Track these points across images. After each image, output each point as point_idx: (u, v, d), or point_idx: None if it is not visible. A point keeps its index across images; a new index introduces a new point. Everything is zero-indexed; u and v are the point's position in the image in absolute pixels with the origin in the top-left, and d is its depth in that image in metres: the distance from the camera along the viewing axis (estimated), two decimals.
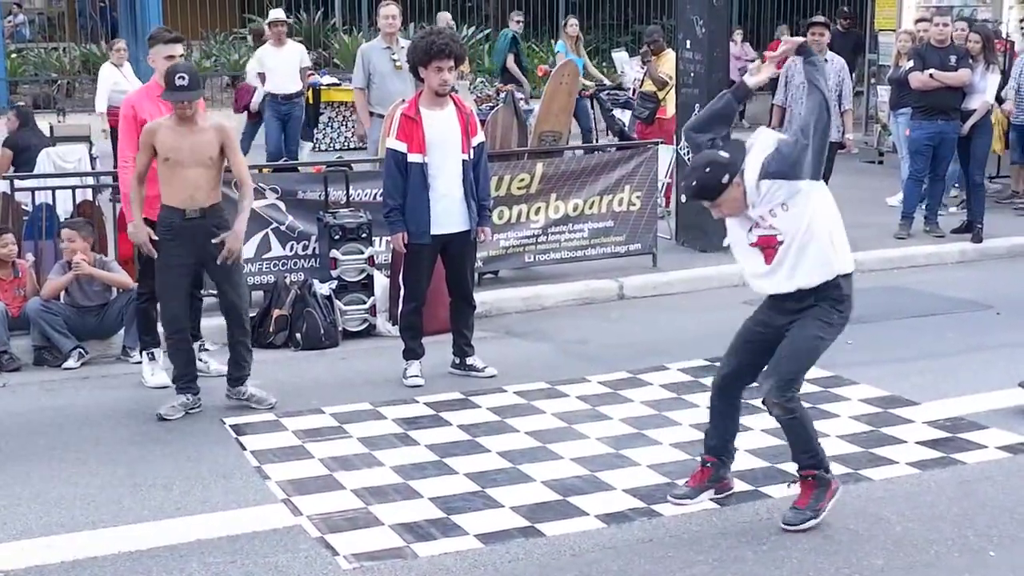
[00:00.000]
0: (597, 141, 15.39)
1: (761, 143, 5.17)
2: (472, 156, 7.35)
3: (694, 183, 5.20)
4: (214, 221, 6.81)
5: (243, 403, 6.98)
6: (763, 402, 5.29)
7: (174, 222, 6.77)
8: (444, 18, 17.79)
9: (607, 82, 14.90)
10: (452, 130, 7.27)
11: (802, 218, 5.08)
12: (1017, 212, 12.62)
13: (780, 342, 5.29)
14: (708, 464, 5.59)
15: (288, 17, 21.40)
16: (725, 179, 5.08)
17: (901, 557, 4.99)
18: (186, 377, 6.98)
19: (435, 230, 7.28)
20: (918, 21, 13.21)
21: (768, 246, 5.21)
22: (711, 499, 5.59)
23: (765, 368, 5.36)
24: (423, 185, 7.22)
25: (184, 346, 6.99)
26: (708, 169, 5.11)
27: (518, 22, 17.88)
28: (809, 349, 5.24)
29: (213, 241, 6.75)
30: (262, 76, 14.10)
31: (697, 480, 5.60)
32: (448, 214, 7.30)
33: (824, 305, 5.19)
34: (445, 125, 7.26)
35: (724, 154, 5.13)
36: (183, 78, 6.63)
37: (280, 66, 13.96)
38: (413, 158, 7.20)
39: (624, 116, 14.12)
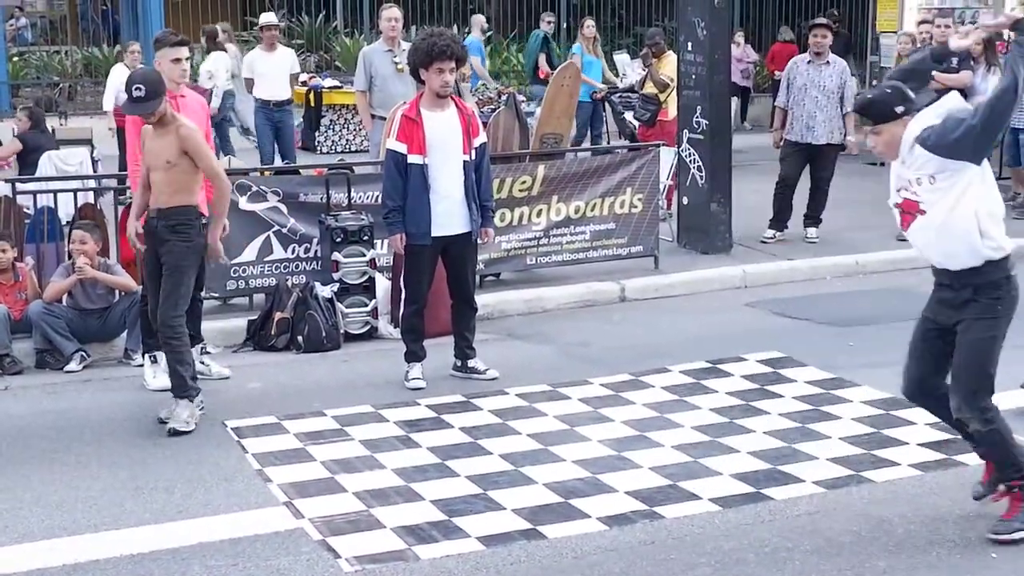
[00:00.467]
0: (609, 143, 15.37)
1: (942, 105, 5.04)
2: (474, 157, 7.35)
3: (869, 96, 5.15)
4: (167, 222, 6.76)
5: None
6: (956, 421, 5.13)
7: (148, 223, 6.90)
8: (479, 21, 17.63)
9: (620, 84, 14.85)
10: (453, 131, 7.27)
11: (948, 196, 4.94)
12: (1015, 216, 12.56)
13: (953, 339, 5.15)
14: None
15: (291, 19, 21.52)
16: (899, 109, 5.00)
17: (903, 559, 4.99)
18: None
19: (436, 232, 7.28)
20: (920, 23, 13.20)
21: (908, 211, 5.10)
22: (711, 499, 5.60)
23: (951, 383, 5.19)
24: (423, 186, 7.22)
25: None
26: (889, 91, 5.07)
27: (549, 23, 17.67)
28: (983, 353, 5.06)
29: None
30: (250, 81, 13.65)
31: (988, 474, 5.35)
32: (449, 216, 7.30)
33: (983, 300, 5.03)
34: (446, 126, 7.26)
35: (910, 92, 5.07)
36: (139, 89, 6.59)
37: (271, 71, 13.54)
38: (413, 159, 7.20)
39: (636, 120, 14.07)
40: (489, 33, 21.98)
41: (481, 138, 7.46)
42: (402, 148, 7.22)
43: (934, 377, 5.31)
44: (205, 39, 16.06)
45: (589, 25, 16.30)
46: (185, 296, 6.82)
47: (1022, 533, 5.07)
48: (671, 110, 12.61)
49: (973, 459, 6.06)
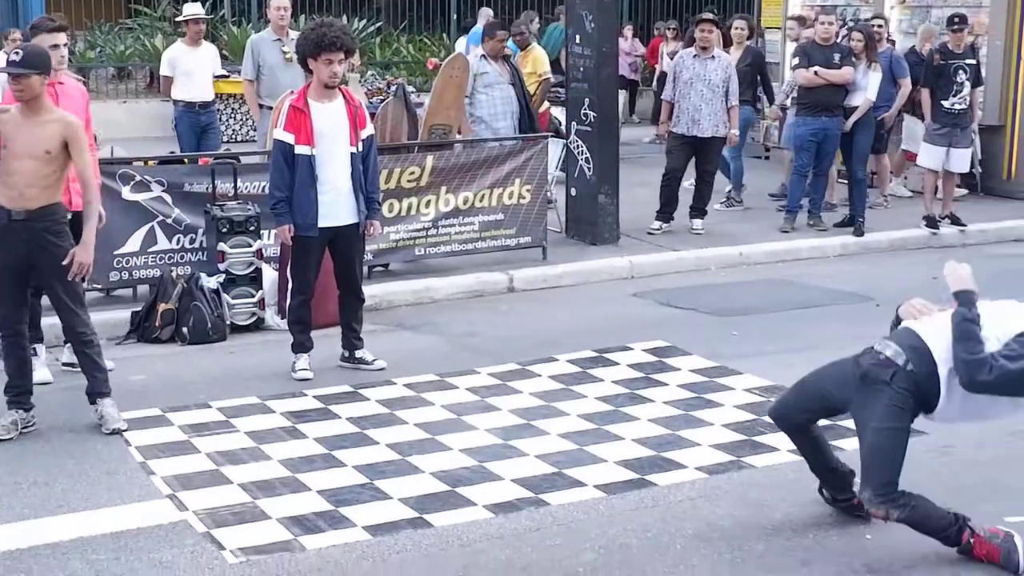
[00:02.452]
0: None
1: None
2: (361, 149, 7.33)
3: None
4: (44, 224, 6.25)
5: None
6: (868, 512, 5.00)
7: (1, 222, 6.23)
8: (486, 14, 17.08)
9: (552, 78, 14.81)
10: (340, 122, 7.24)
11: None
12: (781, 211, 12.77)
13: (839, 410, 5.17)
14: (830, 498, 5.38)
15: (176, 8, 21.15)
16: None
17: (781, 541, 5.11)
18: (17, 389, 6.44)
19: (322, 223, 7.24)
20: (790, 18, 13.41)
21: None
22: (596, 486, 5.67)
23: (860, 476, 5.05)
24: (310, 177, 7.17)
25: (16, 352, 6.45)
26: None
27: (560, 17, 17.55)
28: (894, 444, 4.89)
29: (64, 263, 6.20)
30: (168, 80, 12.15)
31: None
32: (336, 207, 7.27)
33: (899, 390, 4.89)
34: (333, 117, 7.23)
35: None
36: (18, 53, 6.16)
37: (197, 70, 12.03)
38: (300, 150, 7.15)
39: (561, 114, 13.89)
40: (379, 24, 21.88)
41: (368, 130, 7.44)
42: (289, 138, 7.17)
43: (805, 422, 5.33)
44: None
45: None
46: (83, 293, 6.60)
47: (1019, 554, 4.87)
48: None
49: (849, 444, 6.20)
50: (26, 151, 6.20)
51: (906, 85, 12.37)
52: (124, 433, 6.37)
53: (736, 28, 13.07)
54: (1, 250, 6.28)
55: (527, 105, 11.22)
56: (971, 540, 4.87)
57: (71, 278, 6.28)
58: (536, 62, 13.06)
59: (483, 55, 11.11)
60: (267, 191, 7.83)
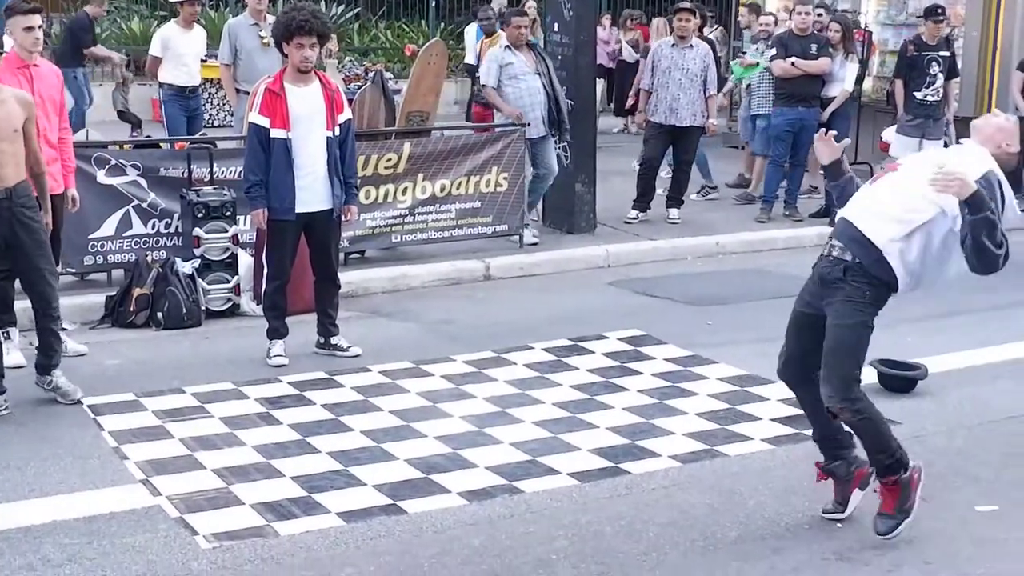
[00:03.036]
0: None
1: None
2: (338, 134, 7.31)
3: None
4: (21, 201, 6.36)
5: (48, 393, 6.63)
6: (828, 410, 5.02)
7: None
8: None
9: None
10: (317, 106, 7.22)
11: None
12: (736, 202, 12.85)
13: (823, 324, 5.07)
14: (824, 469, 5.29)
15: None
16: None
17: (754, 529, 5.14)
18: None
19: (299, 208, 7.22)
20: (743, 4, 13.38)
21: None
22: (569, 474, 5.68)
23: (821, 372, 5.03)
24: (287, 161, 7.15)
25: None
26: None
27: None
28: (852, 339, 4.92)
29: (46, 222, 6.50)
30: (156, 62, 11.88)
31: (838, 493, 5.29)
32: (312, 192, 7.24)
33: (853, 284, 4.92)
34: (310, 101, 7.20)
35: None
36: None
37: (188, 53, 11.86)
38: (276, 133, 7.12)
39: None
40: (357, 11, 21.81)
41: (346, 114, 7.42)
42: (264, 122, 7.14)
43: (809, 359, 5.18)
44: None
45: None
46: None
47: (906, 522, 4.96)
48: None
49: None
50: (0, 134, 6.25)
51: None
52: (98, 418, 6.35)
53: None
54: None
55: (555, 96, 10.55)
56: (916, 476, 4.99)
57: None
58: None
59: (506, 45, 10.57)
60: (243, 175, 7.81)
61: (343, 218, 7.49)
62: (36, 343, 6.69)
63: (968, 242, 4.73)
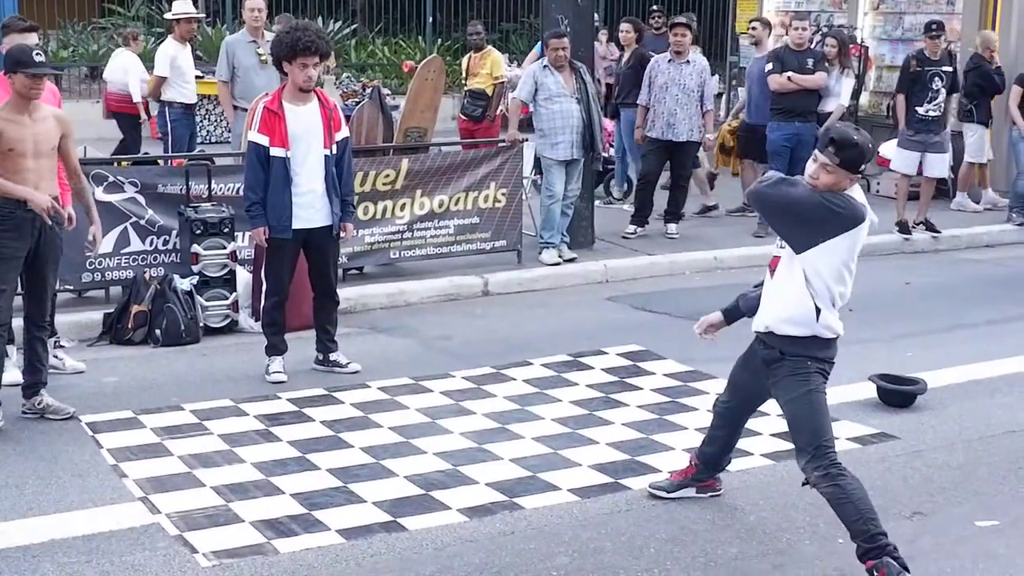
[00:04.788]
0: None
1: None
2: (335, 151, 7.31)
3: (856, 139, 4.85)
4: (52, 216, 6.50)
5: (38, 413, 6.60)
6: (804, 480, 4.98)
7: (16, 213, 6.40)
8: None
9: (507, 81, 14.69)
10: (315, 124, 7.22)
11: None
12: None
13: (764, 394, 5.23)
14: (695, 464, 5.59)
15: (151, 8, 21.07)
16: (863, 168, 4.95)
17: (754, 545, 5.13)
18: None
19: (297, 225, 7.22)
20: (755, 20, 13.41)
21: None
22: (570, 490, 5.67)
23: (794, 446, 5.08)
24: (285, 179, 7.16)
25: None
26: (869, 146, 4.93)
27: None
28: (805, 410, 4.93)
29: (88, 240, 6.81)
30: (160, 81, 11.66)
31: (680, 476, 5.63)
32: (310, 209, 7.25)
33: (789, 356, 4.98)
34: (308, 119, 7.21)
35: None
36: (40, 54, 6.40)
37: (189, 70, 11.81)
38: (275, 152, 7.13)
39: None
40: (355, 27, 21.87)
41: (343, 132, 7.42)
42: (264, 140, 7.15)
43: (746, 411, 5.52)
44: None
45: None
46: None
47: None
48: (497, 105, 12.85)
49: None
50: (39, 150, 6.44)
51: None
52: (96, 435, 6.34)
53: (623, 31, 13.17)
54: (17, 241, 6.45)
55: (590, 122, 10.36)
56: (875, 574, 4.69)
57: (91, 254, 6.94)
58: (494, 64, 13.08)
59: (545, 65, 10.35)
60: (241, 193, 7.81)
61: (340, 235, 7.48)
62: (22, 364, 6.71)
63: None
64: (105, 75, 12.69)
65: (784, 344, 5.00)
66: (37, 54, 6.39)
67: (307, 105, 7.24)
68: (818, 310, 4.91)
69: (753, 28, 12.86)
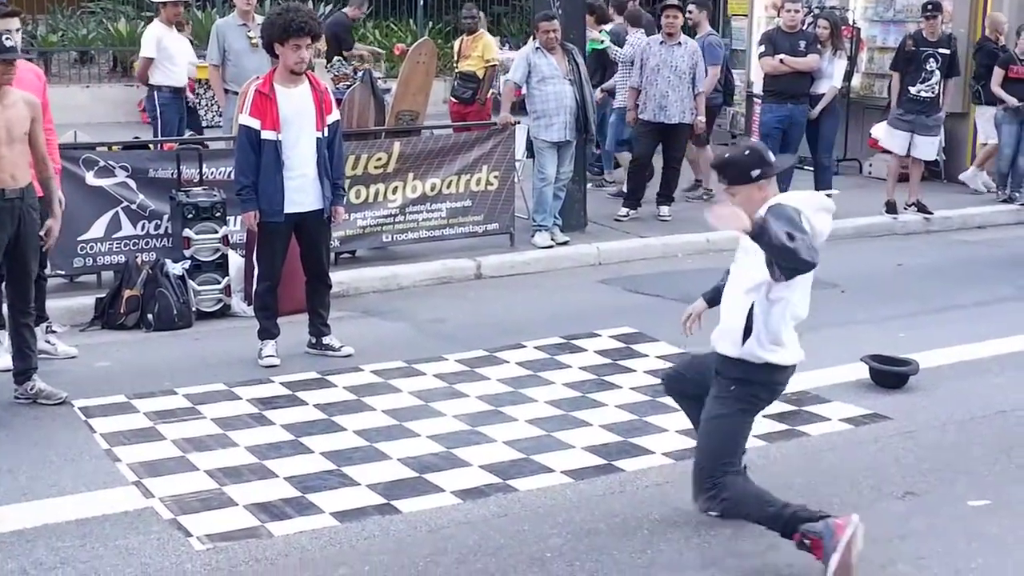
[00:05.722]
0: None
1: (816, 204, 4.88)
2: (326, 134, 7.29)
3: (727, 156, 4.84)
4: (30, 201, 6.49)
5: (31, 398, 6.60)
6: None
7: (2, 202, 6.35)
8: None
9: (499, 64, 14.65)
10: (307, 107, 7.21)
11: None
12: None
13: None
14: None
15: None
16: (755, 173, 4.74)
17: (748, 526, 5.11)
18: None
19: (288, 208, 7.21)
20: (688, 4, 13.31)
21: None
22: (563, 472, 5.68)
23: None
24: (276, 163, 7.14)
25: None
26: (747, 152, 4.82)
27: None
28: (710, 434, 4.89)
29: (41, 233, 6.55)
30: (147, 63, 11.54)
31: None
32: (302, 192, 7.24)
33: (721, 377, 4.91)
34: (300, 102, 7.19)
35: (771, 156, 4.84)
36: (9, 39, 6.30)
37: (178, 54, 11.67)
38: (267, 135, 7.11)
39: None
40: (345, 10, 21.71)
41: (334, 115, 7.40)
42: (255, 124, 7.13)
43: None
44: None
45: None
46: None
47: (836, 557, 4.53)
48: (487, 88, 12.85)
49: (816, 430, 6.29)
50: (12, 136, 6.35)
51: (714, 73, 12.21)
52: (89, 420, 6.33)
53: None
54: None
55: (583, 103, 10.36)
56: (805, 542, 4.63)
57: (44, 249, 6.70)
58: (485, 48, 13.06)
59: (538, 47, 10.33)
60: (233, 177, 7.78)
61: (332, 219, 7.47)
62: (11, 351, 6.69)
63: (774, 266, 4.55)
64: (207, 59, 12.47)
65: (719, 362, 4.92)
66: (7, 39, 6.28)
67: (298, 88, 7.21)
68: (748, 331, 4.76)
69: (690, 12, 12.73)
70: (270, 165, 7.13)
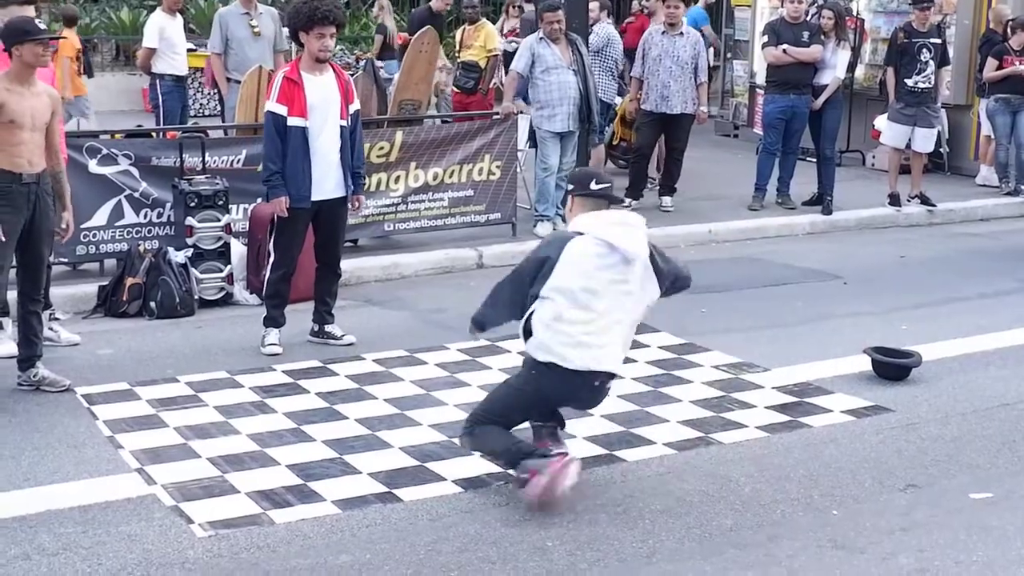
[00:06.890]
0: None
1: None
2: (350, 123, 7.29)
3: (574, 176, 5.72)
4: (46, 187, 6.57)
5: (34, 385, 6.61)
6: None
7: (12, 188, 6.41)
8: None
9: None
10: (332, 95, 7.20)
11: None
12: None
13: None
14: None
15: None
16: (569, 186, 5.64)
17: (749, 517, 5.14)
18: None
19: (314, 196, 7.20)
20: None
21: None
22: None
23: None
24: (303, 149, 7.12)
25: None
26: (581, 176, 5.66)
27: None
28: (500, 388, 5.58)
29: (61, 227, 6.75)
30: (148, 52, 11.65)
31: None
32: (326, 179, 7.23)
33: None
34: (326, 89, 7.18)
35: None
36: (41, 21, 6.44)
37: (179, 42, 11.80)
38: (293, 121, 7.09)
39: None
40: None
41: (356, 104, 7.39)
42: (282, 110, 7.10)
43: None
44: None
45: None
46: None
47: (545, 476, 5.07)
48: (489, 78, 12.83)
49: (817, 421, 6.28)
50: (35, 123, 6.45)
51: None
52: (92, 407, 6.34)
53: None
54: (13, 215, 6.44)
55: (587, 93, 10.42)
56: (523, 475, 5.14)
57: (63, 241, 6.95)
58: (487, 37, 13.05)
59: (541, 37, 10.37)
60: (235, 165, 7.79)
61: (352, 207, 7.47)
62: (17, 336, 6.70)
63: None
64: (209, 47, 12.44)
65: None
66: (39, 20, 6.40)
67: (324, 76, 7.21)
68: (528, 332, 5.43)
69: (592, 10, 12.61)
70: (297, 151, 7.11)
